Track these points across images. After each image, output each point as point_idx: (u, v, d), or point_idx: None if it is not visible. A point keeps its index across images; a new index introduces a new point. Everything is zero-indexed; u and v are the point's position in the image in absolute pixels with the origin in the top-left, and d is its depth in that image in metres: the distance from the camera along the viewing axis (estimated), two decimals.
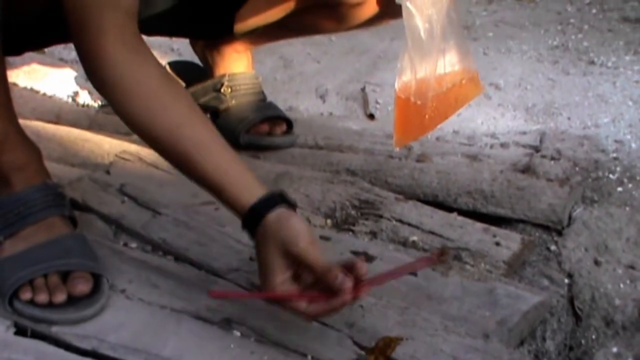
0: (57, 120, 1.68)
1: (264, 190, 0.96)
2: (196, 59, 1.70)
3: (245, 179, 1.00)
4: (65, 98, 1.87)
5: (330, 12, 1.39)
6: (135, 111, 1.04)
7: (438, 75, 1.11)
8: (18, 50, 1.35)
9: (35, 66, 1.92)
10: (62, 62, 1.99)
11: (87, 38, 1.06)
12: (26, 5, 1.19)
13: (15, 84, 1.79)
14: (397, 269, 0.97)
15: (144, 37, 1.09)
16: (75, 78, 1.96)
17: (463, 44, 1.13)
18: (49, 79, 1.93)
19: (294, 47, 1.96)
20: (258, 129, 1.52)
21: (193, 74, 1.66)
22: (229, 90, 1.56)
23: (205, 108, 1.55)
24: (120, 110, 1.06)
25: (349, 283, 0.88)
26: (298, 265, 0.93)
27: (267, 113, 1.55)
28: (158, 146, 1.05)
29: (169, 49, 2.01)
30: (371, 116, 1.76)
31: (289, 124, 1.55)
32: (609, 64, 1.93)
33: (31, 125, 1.44)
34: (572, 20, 2.18)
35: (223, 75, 1.56)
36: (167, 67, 1.74)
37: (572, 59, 1.97)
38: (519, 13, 2.26)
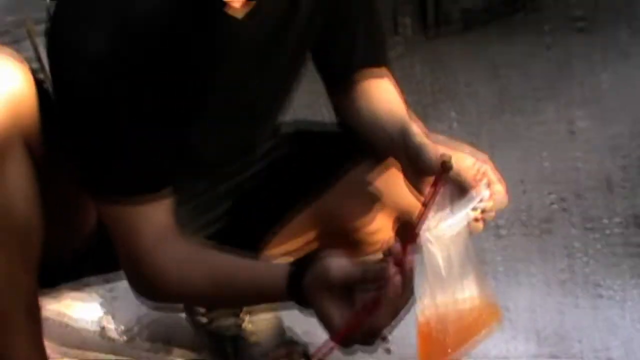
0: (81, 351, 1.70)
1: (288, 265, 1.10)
2: None
3: (271, 266, 1.19)
4: (89, 325, 1.93)
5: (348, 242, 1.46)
6: (200, 288, 1.18)
7: (458, 306, 1.13)
8: (53, 285, 1.41)
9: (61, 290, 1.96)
10: (87, 287, 2.02)
11: (132, 247, 1.18)
12: (63, 242, 1.28)
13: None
14: None
15: None
16: (101, 304, 2.01)
17: (481, 275, 1.17)
18: (75, 303, 1.99)
19: None
20: (275, 354, 1.56)
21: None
22: (247, 315, 1.62)
23: (223, 331, 1.61)
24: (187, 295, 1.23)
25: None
26: (349, 294, 1.00)
27: (285, 338, 1.59)
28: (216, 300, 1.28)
29: None
30: (387, 350, 1.77)
31: (305, 348, 1.59)
32: (616, 288, 1.98)
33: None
34: (577, 251, 2.23)
35: (245, 312, 1.62)
36: None
37: (579, 285, 2.02)
38: (527, 245, 2.32)
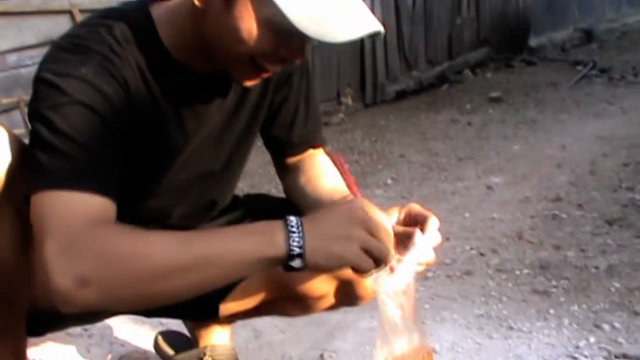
0: None
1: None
2: (183, 329, 1.77)
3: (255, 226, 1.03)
4: None
5: (297, 302, 1.48)
6: (153, 263, 0.98)
7: (409, 353, 1.14)
8: (41, 333, 1.38)
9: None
10: (68, 335, 2.02)
11: (71, 230, 0.99)
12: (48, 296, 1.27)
13: None
14: None
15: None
16: (77, 349, 1.99)
17: (421, 324, 1.18)
18: (54, 349, 1.97)
19: (264, 320, 2.01)
20: None
21: (181, 343, 1.74)
22: (208, 349, 1.63)
23: None
24: (136, 276, 0.97)
25: None
26: None
27: None
28: (182, 275, 0.98)
29: (159, 323, 2.07)
30: None
31: None
32: (525, 329, 2.02)
33: None
34: (493, 293, 2.28)
35: (206, 347, 1.64)
36: (159, 337, 1.82)
37: (494, 325, 2.06)
38: (450, 288, 2.35)
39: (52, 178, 1.04)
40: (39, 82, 1.09)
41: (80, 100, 1.07)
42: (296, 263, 1.01)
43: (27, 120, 3.53)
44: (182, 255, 0.99)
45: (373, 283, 1.10)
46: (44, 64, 1.11)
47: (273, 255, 1.00)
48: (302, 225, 1.01)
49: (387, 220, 1.09)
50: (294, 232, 1.00)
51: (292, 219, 1.02)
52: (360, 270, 1.05)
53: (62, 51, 1.12)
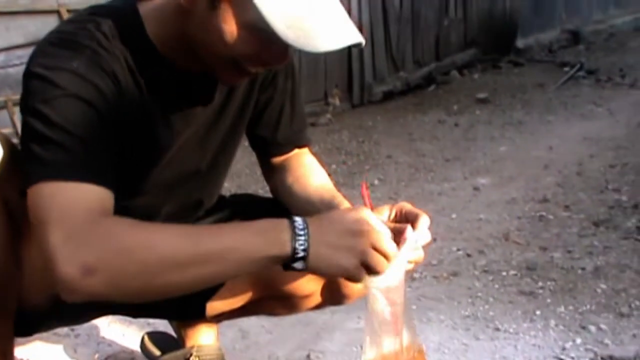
0: None
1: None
2: (169, 329, 1.76)
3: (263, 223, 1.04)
4: None
5: (284, 301, 1.48)
6: (156, 252, 0.99)
7: (399, 350, 1.14)
8: (29, 333, 1.38)
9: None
10: (55, 335, 2.00)
11: (73, 221, 0.99)
12: (37, 296, 1.26)
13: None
14: None
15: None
16: (65, 349, 1.98)
17: (412, 321, 1.18)
18: (41, 349, 1.95)
19: (251, 320, 2.01)
20: None
21: (167, 344, 1.73)
22: (194, 349, 1.62)
23: None
24: (139, 268, 0.98)
25: None
26: None
27: None
28: (188, 267, 1.00)
29: (146, 323, 2.06)
30: None
31: None
32: (511, 330, 2.03)
33: None
34: (479, 294, 2.28)
35: (192, 347, 1.64)
36: (145, 337, 1.81)
37: (480, 326, 2.06)
38: (436, 288, 2.35)
39: (50, 169, 1.03)
40: (30, 76, 1.09)
41: (74, 93, 1.07)
42: (298, 265, 1.03)
43: (14, 120, 3.50)
44: (188, 249, 1.00)
45: (364, 279, 1.10)
46: (33, 59, 1.11)
47: (277, 255, 1.02)
48: (307, 228, 1.03)
49: (388, 231, 1.10)
50: (300, 235, 1.02)
51: (299, 220, 1.04)
52: (353, 280, 1.07)
53: (51, 46, 1.11)
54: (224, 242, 1.02)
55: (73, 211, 1.01)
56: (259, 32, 1.05)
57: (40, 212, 1.02)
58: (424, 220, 1.15)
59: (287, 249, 1.02)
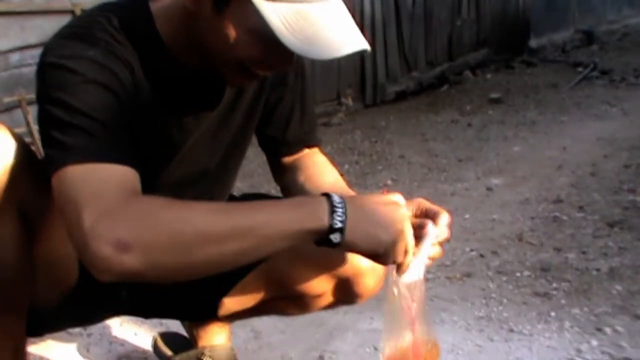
0: None
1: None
2: (181, 330, 1.76)
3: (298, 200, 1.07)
4: None
5: (296, 301, 1.46)
6: (192, 228, 0.98)
7: (415, 344, 1.15)
8: (40, 333, 1.38)
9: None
10: (68, 334, 2.01)
11: (104, 201, 0.98)
12: (49, 295, 1.27)
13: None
14: None
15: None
16: (78, 349, 1.98)
17: (429, 317, 1.19)
18: (54, 348, 1.96)
19: (263, 321, 2.00)
20: None
21: (179, 344, 1.73)
22: (207, 349, 1.62)
23: None
24: (177, 248, 0.97)
25: None
26: None
27: None
28: (226, 243, 0.99)
29: (158, 323, 2.06)
30: None
31: None
32: (525, 332, 2.01)
33: None
34: (493, 295, 2.27)
35: (204, 347, 1.63)
36: (158, 337, 1.81)
37: (494, 327, 2.04)
38: (450, 289, 2.33)
39: (75, 153, 1.03)
40: (46, 66, 1.09)
41: (93, 79, 1.07)
42: (335, 237, 1.03)
43: (28, 119, 3.50)
44: (224, 223, 1.00)
45: (391, 274, 1.12)
46: (46, 52, 1.10)
47: (314, 227, 1.02)
48: (345, 202, 1.04)
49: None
50: (337, 207, 1.03)
51: (335, 196, 1.05)
52: (383, 261, 1.09)
53: (64, 39, 1.11)
54: (261, 216, 1.02)
55: (105, 191, 1.00)
56: (264, 37, 1.04)
57: (69, 194, 1.00)
58: (444, 217, 1.16)
59: (325, 222, 1.02)
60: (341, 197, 1.05)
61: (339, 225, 1.02)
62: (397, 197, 1.10)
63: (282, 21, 1.02)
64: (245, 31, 1.06)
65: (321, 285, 1.42)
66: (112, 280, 0.98)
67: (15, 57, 3.77)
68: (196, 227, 0.98)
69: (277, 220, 1.01)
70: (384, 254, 1.07)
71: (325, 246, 1.05)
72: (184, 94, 1.22)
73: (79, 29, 1.13)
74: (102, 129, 1.05)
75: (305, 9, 1.03)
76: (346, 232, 1.03)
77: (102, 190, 1.00)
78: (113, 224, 0.96)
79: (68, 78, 1.06)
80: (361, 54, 1.09)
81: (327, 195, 1.05)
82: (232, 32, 1.07)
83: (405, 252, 1.09)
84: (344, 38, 1.06)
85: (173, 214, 1.00)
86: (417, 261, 1.11)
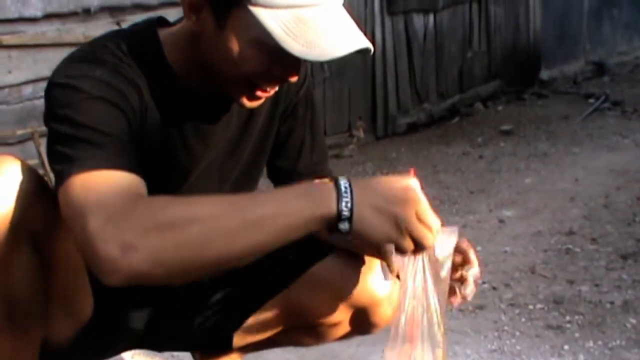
0: None
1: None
2: None
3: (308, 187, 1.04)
4: None
5: (311, 331, 1.46)
6: (205, 225, 0.97)
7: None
8: None
9: None
10: None
11: (111, 206, 0.98)
12: (63, 328, 1.27)
13: None
14: None
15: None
16: None
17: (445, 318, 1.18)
18: None
19: (276, 353, 1.94)
20: None
21: None
22: None
23: None
24: (190, 241, 0.96)
25: None
26: None
27: None
28: (235, 239, 0.97)
29: (170, 356, 2.06)
30: None
31: None
32: None
33: None
34: (506, 328, 2.26)
35: None
36: None
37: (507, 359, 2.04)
38: (462, 322, 2.32)
39: (79, 163, 1.04)
40: (53, 87, 1.11)
41: (99, 96, 1.09)
42: (344, 225, 1.01)
43: (40, 151, 3.52)
44: (232, 216, 0.99)
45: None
46: (55, 73, 1.13)
47: (322, 215, 1.00)
48: (351, 188, 1.02)
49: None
50: (345, 195, 1.01)
51: (342, 180, 1.02)
52: (400, 250, 1.05)
53: (73, 61, 1.14)
54: (268, 206, 1.01)
55: (110, 195, 1.00)
56: (266, 46, 1.06)
57: (74, 202, 1.01)
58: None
59: (333, 209, 1.00)
60: (349, 181, 1.03)
61: (347, 213, 1.00)
62: (411, 180, 1.06)
63: (282, 28, 1.03)
64: (248, 43, 1.08)
65: (338, 314, 1.42)
66: (121, 284, 0.97)
67: (27, 90, 3.81)
68: (203, 223, 0.98)
69: (285, 210, 1.00)
70: (396, 244, 1.04)
71: (337, 234, 1.03)
72: (192, 119, 1.23)
73: (88, 53, 1.16)
74: (107, 139, 1.07)
75: (304, 13, 1.05)
76: (354, 221, 1.01)
77: (107, 194, 1.00)
78: (119, 226, 0.96)
79: (74, 96, 1.08)
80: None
81: (335, 181, 1.03)
82: (235, 46, 1.09)
83: (426, 236, 1.04)
84: (345, 39, 1.07)
85: (178, 212, 0.99)
86: (445, 237, 1.09)
